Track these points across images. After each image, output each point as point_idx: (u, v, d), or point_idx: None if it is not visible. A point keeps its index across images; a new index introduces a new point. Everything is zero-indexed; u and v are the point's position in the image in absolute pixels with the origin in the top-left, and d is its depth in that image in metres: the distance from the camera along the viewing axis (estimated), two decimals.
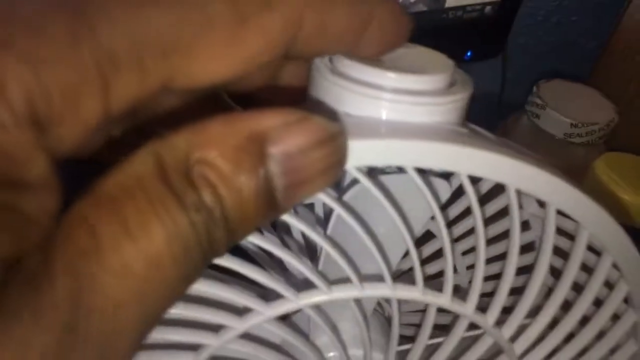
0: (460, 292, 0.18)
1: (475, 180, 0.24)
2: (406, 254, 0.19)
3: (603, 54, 0.60)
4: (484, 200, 0.25)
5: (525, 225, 0.25)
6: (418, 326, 0.21)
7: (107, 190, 0.10)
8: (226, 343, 0.17)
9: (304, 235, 0.23)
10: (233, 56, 0.12)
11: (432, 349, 0.20)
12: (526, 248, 0.24)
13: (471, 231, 0.26)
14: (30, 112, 0.10)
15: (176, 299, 0.11)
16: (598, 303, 0.20)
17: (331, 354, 0.20)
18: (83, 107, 0.10)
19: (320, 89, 0.16)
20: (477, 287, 0.17)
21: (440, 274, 0.23)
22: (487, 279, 0.23)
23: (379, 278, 0.17)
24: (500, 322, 0.19)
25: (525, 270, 0.20)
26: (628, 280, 0.19)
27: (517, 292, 0.19)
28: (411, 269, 0.18)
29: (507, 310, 0.19)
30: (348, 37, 0.15)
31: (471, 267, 0.27)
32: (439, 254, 0.26)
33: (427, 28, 0.50)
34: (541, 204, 0.19)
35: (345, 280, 0.17)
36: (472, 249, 0.27)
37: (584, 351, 0.21)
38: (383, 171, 0.18)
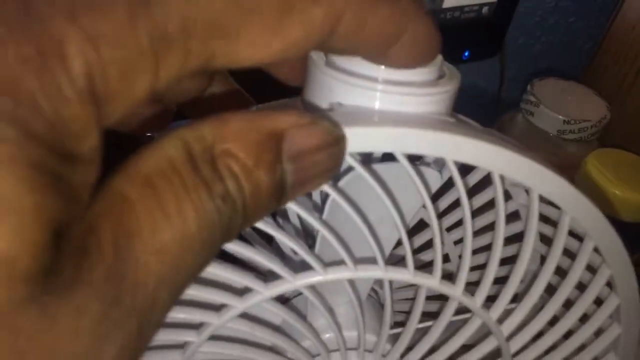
0: (452, 279, 0.19)
1: (464, 172, 0.25)
2: (400, 243, 0.20)
3: (597, 54, 0.61)
4: (474, 191, 0.26)
5: (515, 216, 0.26)
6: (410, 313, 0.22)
7: (145, 171, 0.11)
8: (227, 322, 0.18)
9: (301, 223, 0.24)
10: (273, 43, 0.12)
11: (423, 332, 0.21)
12: (516, 238, 0.25)
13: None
14: (89, 88, 0.10)
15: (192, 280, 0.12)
16: (582, 288, 0.21)
17: (327, 335, 0.21)
18: (136, 83, 0.11)
19: (316, 80, 0.17)
20: (466, 268, 0.18)
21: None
22: (478, 267, 0.24)
23: (372, 261, 0.18)
24: (488, 304, 0.20)
25: (515, 260, 0.21)
26: (610, 265, 0.20)
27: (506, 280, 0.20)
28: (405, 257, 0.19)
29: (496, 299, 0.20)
30: (381, 42, 0.15)
31: None
32: (432, 243, 0.27)
33: None
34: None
35: (340, 262, 0.18)
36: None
37: (569, 334, 0.22)
38: (377, 160, 0.19)
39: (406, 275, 0.18)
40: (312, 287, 0.19)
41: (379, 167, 0.19)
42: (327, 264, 0.18)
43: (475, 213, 0.26)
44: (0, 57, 0.09)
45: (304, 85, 0.18)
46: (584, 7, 0.61)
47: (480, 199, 0.26)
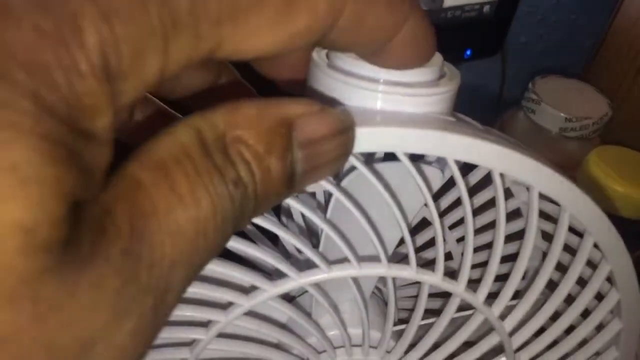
0: (455, 276, 0.20)
1: (466, 171, 0.25)
2: (403, 241, 0.20)
3: (598, 51, 0.61)
4: (476, 189, 0.26)
5: (516, 213, 0.26)
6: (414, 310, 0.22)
7: (158, 156, 0.11)
8: (234, 319, 0.19)
9: (305, 222, 0.24)
10: (279, 32, 0.13)
11: (426, 328, 0.21)
12: (517, 235, 0.25)
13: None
14: (103, 64, 0.10)
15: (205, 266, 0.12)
16: (583, 284, 0.21)
17: (332, 332, 0.22)
18: (146, 64, 0.11)
19: (318, 81, 0.17)
20: (467, 265, 0.19)
21: None
22: (480, 265, 0.25)
23: (376, 259, 0.19)
24: (490, 301, 0.20)
25: (517, 257, 0.22)
26: (610, 260, 0.20)
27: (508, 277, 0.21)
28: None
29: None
30: (379, 37, 0.15)
31: None
32: (435, 240, 0.27)
33: None
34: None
35: (344, 260, 0.19)
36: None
37: (570, 329, 0.22)
38: (379, 159, 0.19)
39: (409, 272, 0.19)
40: (317, 285, 0.19)
41: (381, 167, 0.19)
42: (332, 262, 0.19)
43: (478, 211, 0.27)
44: (17, 30, 0.09)
45: (306, 87, 0.18)
46: (585, 5, 0.61)
47: (482, 197, 0.26)
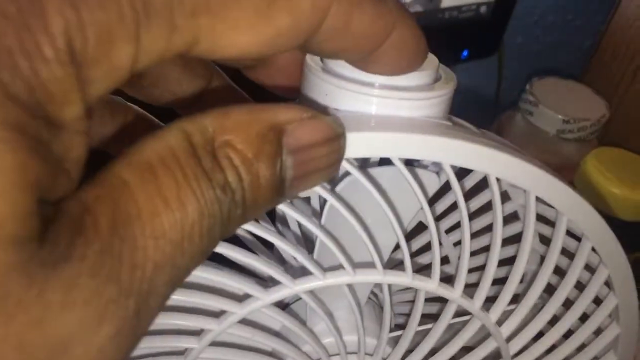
0: (451, 281, 0.19)
1: (463, 174, 0.25)
2: (399, 246, 0.20)
3: (595, 52, 0.61)
4: (473, 193, 0.26)
5: (514, 217, 0.26)
6: (410, 316, 0.22)
7: (145, 158, 0.11)
8: (227, 328, 0.18)
9: (300, 229, 0.24)
10: (258, 31, 0.12)
11: (423, 334, 0.21)
12: (515, 238, 0.25)
13: None
14: (68, 49, 0.10)
15: (192, 272, 0.12)
16: (581, 288, 0.21)
17: (327, 340, 0.21)
18: (115, 51, 0.10)
19: (312, 86, 0.17)
20: (464, 270, 0.18)
21: None
22: (478, 269, 0.25)
23: (371, 265, 0.18)
24: (487, 306, 0.20)
25: (514, 261, 0.21)
26: (607, 265, 0.20)
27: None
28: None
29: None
30: (367, 42, 0.14)
31: None
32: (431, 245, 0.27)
33: (424, 28, 0.51)
34: None
35: (339, 267, 0.18)
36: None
37: (569, 333, 0.22)
38: (373, 164, 0.19)
39: (405, 279, 0.19)
40: (312, 292, 0.19)
41: (375, 171, 0.19)
42: (326, 269, 0.18)
43: (475, 215, 0.26)
44: None
45: (300, 91, 0.18)
46: (582, 6, 0.61)
47: (479, 201, 0.26)
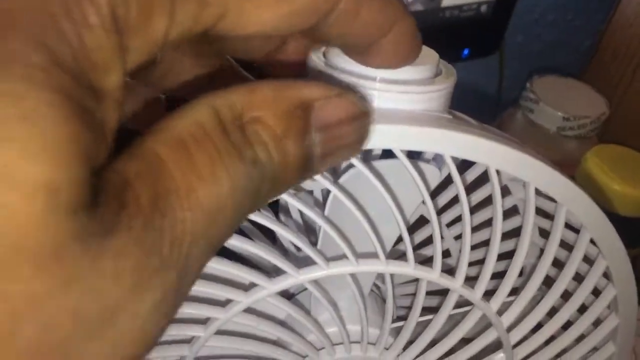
0: (453, 273, 0.20)
1: (464, 169, 0.25)
2: (401, 239, 0.20)
3: (596, 51, 0.62)
4: (474, 187, 0.26)
5: (514, 211, 0.27)
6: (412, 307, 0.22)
7: (176, 135, 0.11)
8: (233, 316, 0.19)
9: (304, 221, 0.24)
10: (280, 7, 0.13)
11: (424, 325, 0.22)
12: (515, 232, 0.25)
13: None
14: (112, 16, 0.10)
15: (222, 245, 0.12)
16: (580, 280, 0.22)
17: (331, 329, 0.22)
18: (153, 22, 0.11)
19: (315, 80, 0.17)
20: (465, 260, 0.19)
21: None
22: (479, 262, 0.25)
23: (374, 255, 0.19)
24: (488, 297, 0.20)
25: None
26: (606, 256, 0.20)
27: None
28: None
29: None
30: (371, 32, 0.15)
31: None
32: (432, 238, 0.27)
33: (425, 27, 0.51)
34: None
35: (342, 257, 0.19)
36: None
37: (568, 324, 0.22)
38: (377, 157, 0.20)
39: (407, 268, 0.19)
40: (316, 282, 0.19)
41: (378, 164, 0.19)
42: (330, 259, 0.19)
43: (476, 208, 0.27)
44: None
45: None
46: (582, 5, 0.62)
47: (480, 194, 0.26)
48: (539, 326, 0.22)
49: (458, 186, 0.17)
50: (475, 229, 0.27)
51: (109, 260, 0.10)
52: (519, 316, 0.21)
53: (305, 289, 0.23)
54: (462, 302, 0.21)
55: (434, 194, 0.26)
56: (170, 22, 0.11)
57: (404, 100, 0.17)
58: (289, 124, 0.12)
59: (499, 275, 0.21)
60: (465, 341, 0.22)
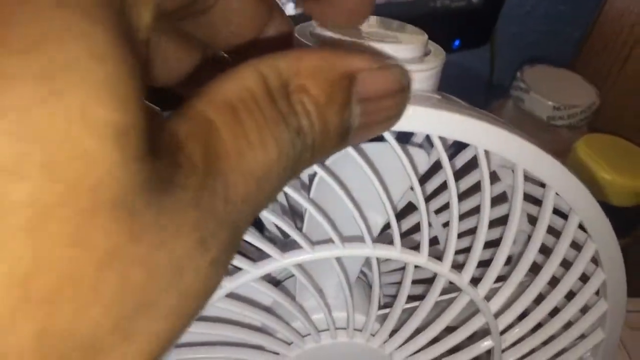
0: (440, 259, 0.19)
1: (453, 155, 0.25)
2: (389, 226, 0.20)
3: (586, 41, 0.62)
4: (463, 174, 0.26)
5: (502, 198, 0.26)
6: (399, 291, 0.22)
7: (226, 98, 0.11)
8: (216, 301, 0.18)
9: (289, 205, 0.24)
10: None
11: (411, 311, 0.21)
12: (504, 219, 0.25)
13: None
14: None
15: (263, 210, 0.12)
16: (568, 266, 0.21)
17: (316, 316, 0.21)
18: None
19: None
20: (452, 244, 0.19)
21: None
22: (467, 250, 0.25)
23: (360, 239, 0.18)
24: (475, 281, 0.20)
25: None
26: (595, 240, 0.20)
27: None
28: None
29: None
30: None
31: None
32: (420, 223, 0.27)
33: (416, 17, 0.51)
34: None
35: (328, 241, 0.18)
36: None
37: (555, 311, 0.22)
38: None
39: (393, 252, 0.19)
40: (301, 267, 0.19)
41: (366, 147, 0.19)
42: (316, 243, 0.18)
43: (465, 195, 0.26)
44: None
45: None
46: None
47: (469, 180, 0.26)
48: (526, 312, 0.22)
49: (444, 164, 0.17)
50: (464, 216, 0.27)
51: (170, 216, 0.09)
52: (507, 302, 0.21)
53: (291, 276, 0.23)
54: (450, 289, 0.21)
55: (422, 181, 0.26)
56: None
57: None
58: (333, 94, 0.12)
59: (488, 263, 0.21)
60: (452, 329, 0.22)
